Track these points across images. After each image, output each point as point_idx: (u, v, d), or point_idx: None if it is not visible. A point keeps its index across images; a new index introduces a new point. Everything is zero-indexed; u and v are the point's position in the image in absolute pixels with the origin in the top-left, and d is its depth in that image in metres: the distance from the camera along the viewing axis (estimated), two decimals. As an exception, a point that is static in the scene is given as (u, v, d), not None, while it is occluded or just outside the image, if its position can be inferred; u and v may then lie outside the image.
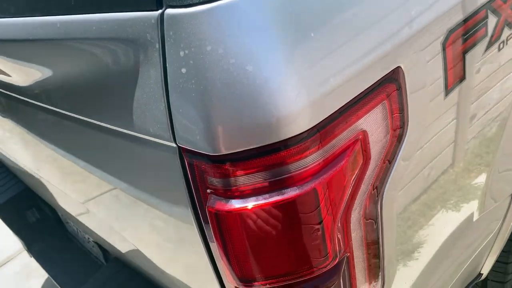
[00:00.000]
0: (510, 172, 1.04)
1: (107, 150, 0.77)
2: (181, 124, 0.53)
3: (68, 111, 0.79)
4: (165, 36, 0.50)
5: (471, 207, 0.95)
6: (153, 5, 0.51)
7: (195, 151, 0.54)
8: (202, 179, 0.56)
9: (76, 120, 0.77)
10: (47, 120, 0.92)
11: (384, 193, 0.66)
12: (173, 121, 0.54)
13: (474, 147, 0.87)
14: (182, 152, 0.56)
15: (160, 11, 0.50)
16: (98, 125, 0.71)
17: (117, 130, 0.67)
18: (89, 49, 0.67)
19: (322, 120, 0.54)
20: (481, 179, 0.94)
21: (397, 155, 0.66)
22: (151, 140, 0.60)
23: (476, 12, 0.73)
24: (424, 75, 0.67)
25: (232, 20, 0.48)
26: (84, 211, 1.17)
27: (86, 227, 1.30)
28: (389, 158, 0.66)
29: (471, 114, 0.82)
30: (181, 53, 0.50)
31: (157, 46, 0.52)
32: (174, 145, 0.56)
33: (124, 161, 0.75)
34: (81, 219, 1.27)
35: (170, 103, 0.53)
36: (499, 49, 0.82)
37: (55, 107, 0.83)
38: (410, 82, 0.64)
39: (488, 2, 0.76)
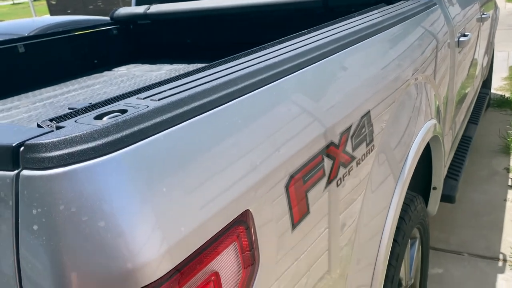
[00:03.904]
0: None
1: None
2: (30, 280, 0.53)
3: None
4: (19, 195, 0.53)
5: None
6: (10, 166, 0.54)
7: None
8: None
9: None
10: None
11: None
12: (22, 276, 0.54)
13: (325, 274, 0.98)
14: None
15: (16, 171, 0.54)
16: None
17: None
18: None
19: (178, 264, 0.59)
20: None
21: (252, 288, 0.72)
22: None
23: (313, 158, 0.89)
24: (271, 215, 0.77)
25: (85, 182, 0.53)
26: None
27: None
28: (244, 292, 0.71)
29: (320, 243, 0.94)
30: (34, 211, 0.52)
31: (10, 203, 0.54)
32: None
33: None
34: None
35: (20, 258, 0.53)
36: (337, 185, 0.99)
37: None
38: (258, 222, 0.73)
39: (324, 148, 0.93)
